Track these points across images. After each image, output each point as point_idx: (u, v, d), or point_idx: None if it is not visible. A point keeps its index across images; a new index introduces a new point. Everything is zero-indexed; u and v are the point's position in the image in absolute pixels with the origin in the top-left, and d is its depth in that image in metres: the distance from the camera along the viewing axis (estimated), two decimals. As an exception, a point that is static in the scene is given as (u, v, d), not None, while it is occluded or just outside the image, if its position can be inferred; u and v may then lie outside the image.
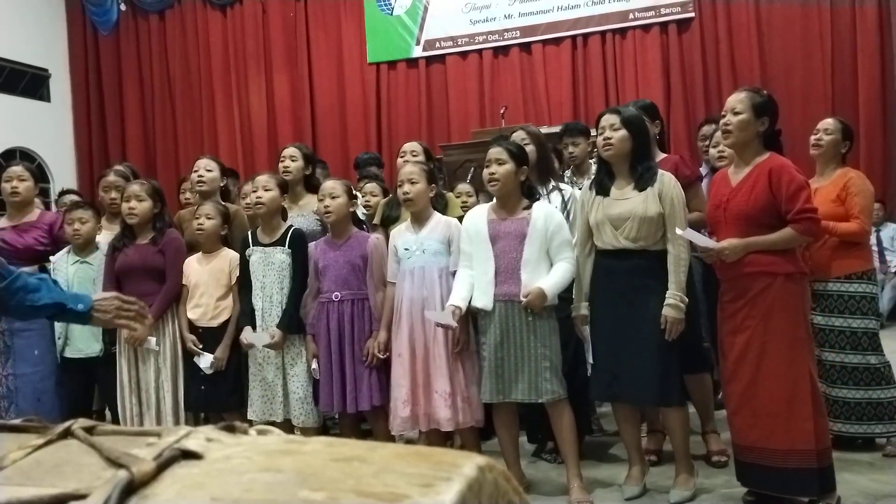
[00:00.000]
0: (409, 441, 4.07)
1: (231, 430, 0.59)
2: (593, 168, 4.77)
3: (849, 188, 3.61)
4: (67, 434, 0.58)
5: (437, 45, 7.92)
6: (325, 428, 3.93)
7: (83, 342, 3.90)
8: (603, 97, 7.38)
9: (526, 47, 7.67)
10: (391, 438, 3.56)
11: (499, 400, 3.22)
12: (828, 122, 3.79)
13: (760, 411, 2.93)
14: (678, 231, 3.07)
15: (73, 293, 2.01)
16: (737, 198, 3.00)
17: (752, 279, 2.95)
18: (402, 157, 4.11)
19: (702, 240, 3.04)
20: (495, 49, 7.75)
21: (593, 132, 5.42)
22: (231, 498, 0.46)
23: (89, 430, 0.59)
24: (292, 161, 4.06)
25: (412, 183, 3.41)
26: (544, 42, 7.59)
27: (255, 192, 3.65)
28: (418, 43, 7.99)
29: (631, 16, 7.33)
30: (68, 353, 3.93)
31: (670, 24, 7.24)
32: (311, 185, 4.14)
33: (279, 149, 8.05)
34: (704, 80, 7.15)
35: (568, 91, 7.47)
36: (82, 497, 0.47)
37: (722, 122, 3.08)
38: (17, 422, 0.64)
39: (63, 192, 5.42)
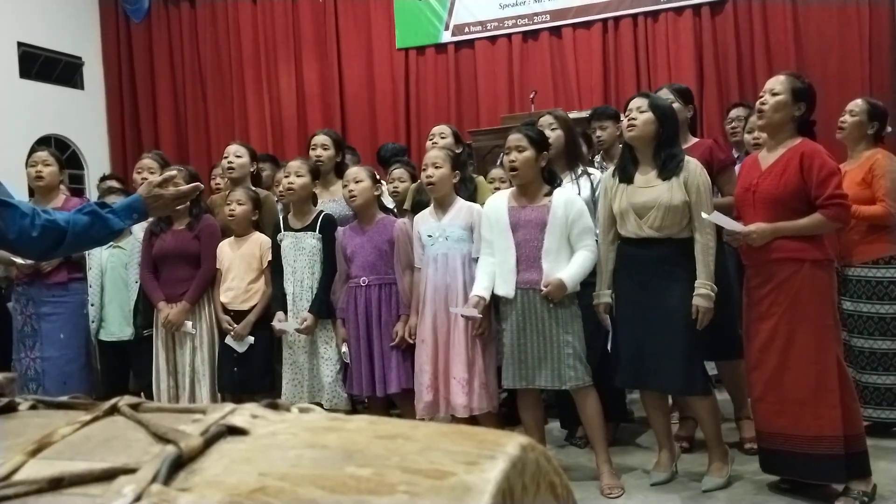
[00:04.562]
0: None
1: (274, 407, 0.60)
2: (623, 152, 4.75)
3: (874, 170, 3.54)
4: (114, 411, 0.59)
5: (467, 29, 7.87)
6: (354, 412, 3.96)
7: (116, 325, 3.98)
8: (634, 81, 7.28)
9: (556, 31, 7.58)
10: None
11: (522, 386, 3.23)
12: (854, 104, 3.71)
13: (787, 398, 2.90)
14: (703, 215, 3.02)
15: (122, 207, 2.07)
16: (767, 181, 2.96)
17: (778, 265, 2.91)
18: (430, 139, 4.11)
19: (729, 223, 2.98)
20: (525, 33, 7.68)
21: (623, 116, 5.39)
22: (278, 473, 0.47)
23: (135, 407, 0.60)
24: (324, 150, 4.09)
25: (435, 167, 3.40)
26: (574, 26, 7.50)
27: (286, 177, 3.68)
28: (447, 28, 7.94)
29: (662, -2, 7.22)
30: (102, 336, 4.00)
31: (703, 7, 7.11)
32: (342, 172, 4.15)
33: (308, 135, 8.16)
34: (738, 63, 7.02)
35: (598, 75, 7.38)
36: (132, 471, 0.48)
37: (758, 102, 3.02)
38: (64, 399, 0.65)
39: (104, 178, 5.49)
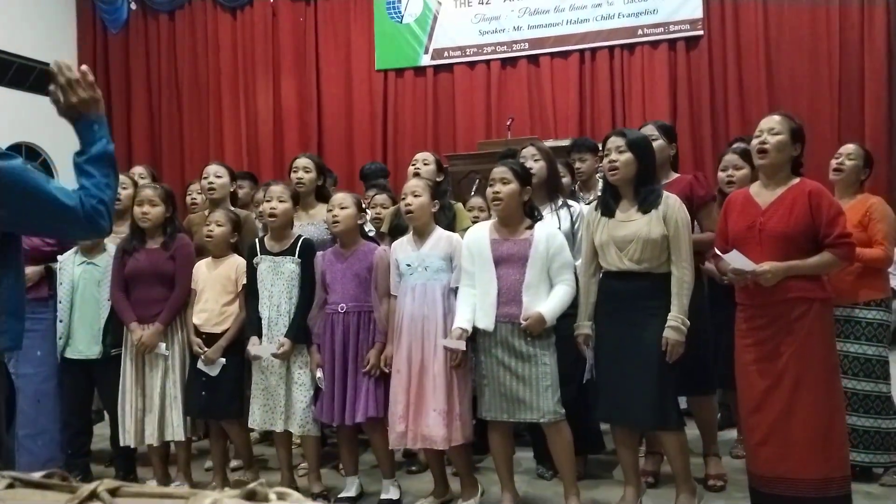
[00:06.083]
0: (408, 453, 4.06)
1: (252, 496, 0.60)
2: (600, 184, 4.80)
3: (871, 214, 3.58)
4: (93, 496, 0.59)
5: (446, 54, 7.93)
6: (323, 437, 3.92)
7: (83, 344, 3.90)
8: (609, 112, 7.39)
9: (534, 59, 7.67)
10: (389, 451, 3.56)
11: (501, 419, 3.23)
12: (850, 148, 3.74)
13: (795, 441, 2.88)
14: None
15: (82, 136, 1.95)
16: (773, 219, 2.98)
17: (788, 305, 2.91)
18: (413, 164, 4.10)
19: (742, 261, 2.97)
20: (503, 60, 7.76)
21: (600, 150, 5.46)
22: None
23: (113, 492, 0.60)
24: (306, 173, 4.08)
25: (415, 196, 3.41)
26: (552, 55, 7.60)
27: (268, 202, 3.64)
28: (427, 51, 7.99)
29: (639, 32, 7.34)
30: (69, 354, 3.93)
31: (679, 42, 7.25)
32: (322, 195, 4.16)
33: (287, 156, 8.14)
34: (711, 98, 7.16)
35: (575, 105, 7.47)
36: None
37: (757, 141, 3.04)
38: (38, 476, 0.64)
39: None
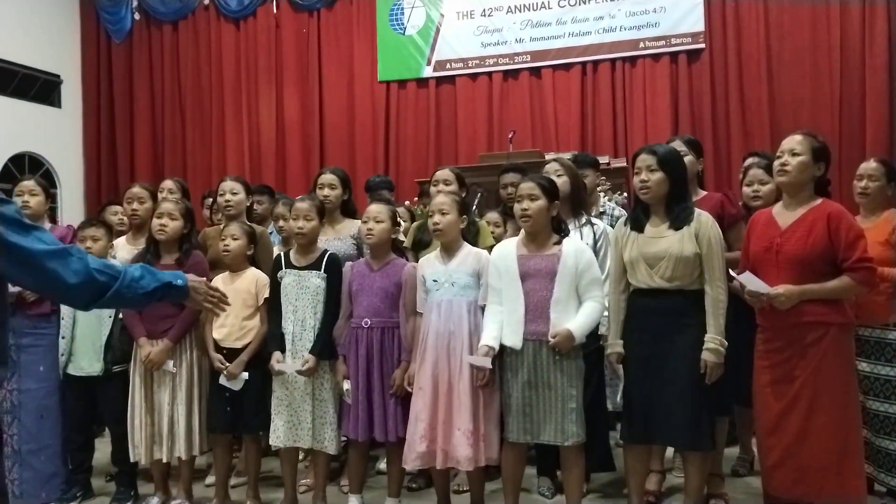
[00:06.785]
0: (409, 471, 4.04)
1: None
2: (602, 199, 4.79)
3: None
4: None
5: (448, 66, 7.95)
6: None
7: (86, 360, 3.89)
8: (611, 125, 7.40)
9: (536, 72, 7.69)
10: (403, 471, 3.53)
11: (526, 440, 3.20)
12: (871, 168, 3.62)
13: (809, 465, 2.86)
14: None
15: (170, 272, 2.11)
16: (791, 241, 2.96)
17: (804, 328, 2.89)
18: (434, 185, 4.08)
19: (756, 284, 2.95)
20: (505, 72, 7.78)
21: (602, 159, 5.46)
22: None
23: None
24: (331, 189, 4.06)
25: (442, 213, 3.38)
26: (554, 67, 7.61)
27: (295, 220, 3.63)
28: (429, 63, 8.02)
29: (641, 44, 7.36)
30: (70, 371, 3.92)
31: (680, 55, 7.26)
32: (348, 210, 4.15)
33: (290, 166, 8.22)
34: (713, 111, 7.17)
35: (576, 117, 7.48)
36: None
37: (778, 162, 3.02)
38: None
39: (109, 202, 5.36)
